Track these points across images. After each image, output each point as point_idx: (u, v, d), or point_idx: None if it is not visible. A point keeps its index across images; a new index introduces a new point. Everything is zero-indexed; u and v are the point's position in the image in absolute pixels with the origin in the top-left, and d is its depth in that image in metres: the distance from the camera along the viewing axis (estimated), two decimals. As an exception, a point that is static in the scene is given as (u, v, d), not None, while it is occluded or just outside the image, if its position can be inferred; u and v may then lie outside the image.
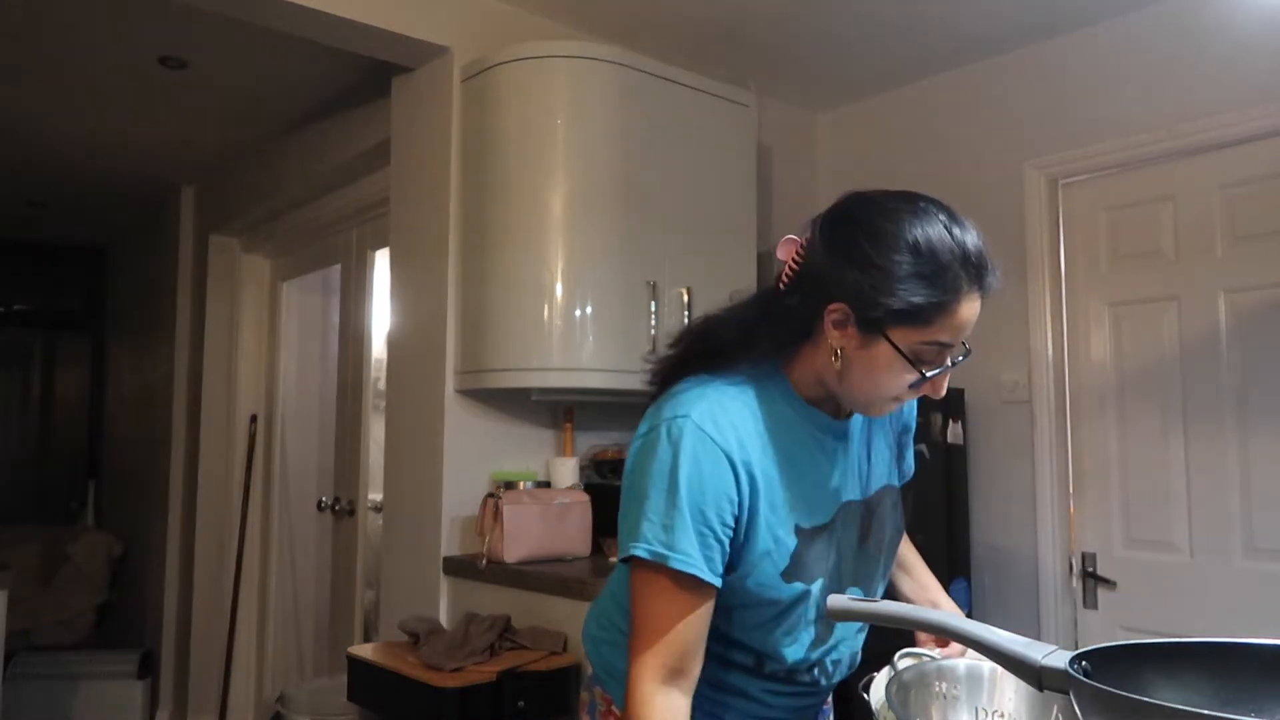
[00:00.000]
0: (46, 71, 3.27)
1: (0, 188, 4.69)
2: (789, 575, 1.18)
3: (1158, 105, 2.74)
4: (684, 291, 2.69)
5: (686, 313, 2.68)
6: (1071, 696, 0.80)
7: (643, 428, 1.19)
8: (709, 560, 1.12)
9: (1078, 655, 0.83)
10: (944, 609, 1.40)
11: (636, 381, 2.55)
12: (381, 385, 3.44)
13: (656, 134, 2.68)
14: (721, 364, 1.20)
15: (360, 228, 3.68)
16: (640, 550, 1.11)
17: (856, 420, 1.28)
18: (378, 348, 3.57)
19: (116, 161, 4.26)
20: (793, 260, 1.18)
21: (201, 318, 4.38)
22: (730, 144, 2.90)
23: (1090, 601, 2.85)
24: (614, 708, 1.30)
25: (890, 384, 1.13)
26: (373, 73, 3.10)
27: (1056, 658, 0.83)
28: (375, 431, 3.48)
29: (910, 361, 1.10)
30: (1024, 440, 2.96)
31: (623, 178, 2.60)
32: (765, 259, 3.00)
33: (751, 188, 2.94)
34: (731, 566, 1.17)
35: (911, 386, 1.13)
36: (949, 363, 1.13)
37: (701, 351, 1.23)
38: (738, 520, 1.14)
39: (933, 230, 1.09)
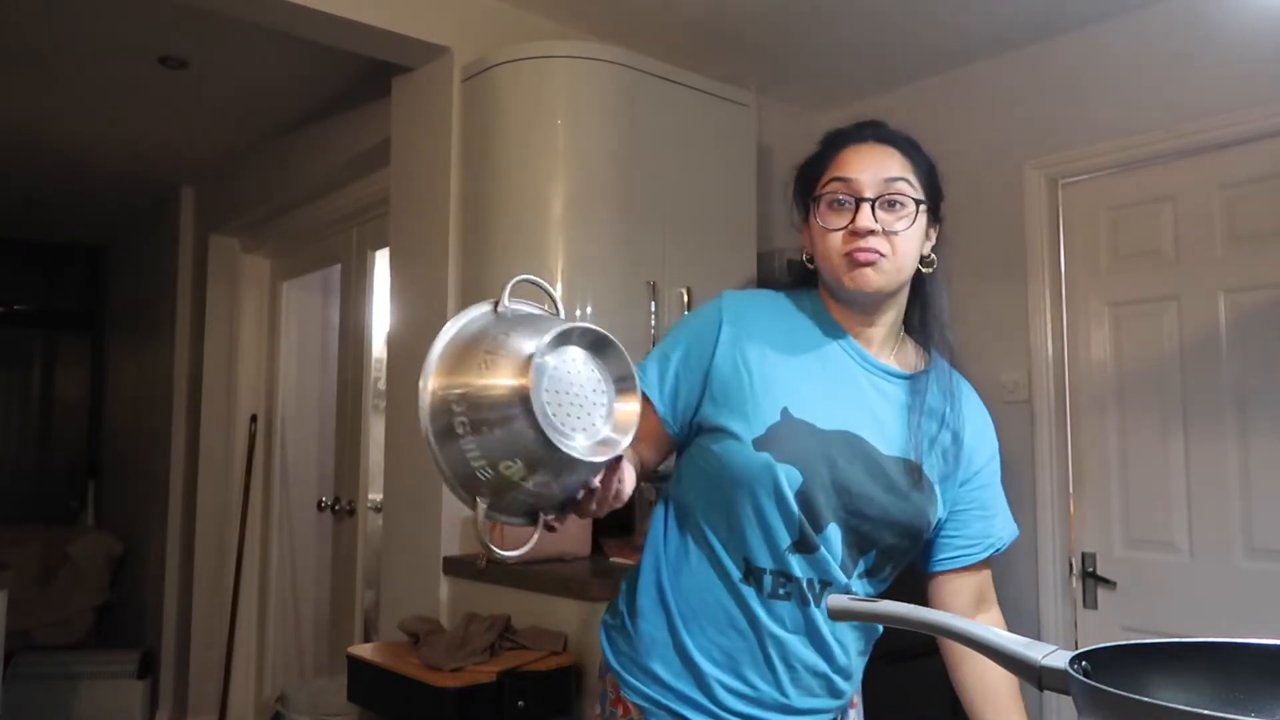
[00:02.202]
0: (47, 71, 3.27)
1: (0, 187, 4.69)
2: (759, 444, 1.21)
3: (1158, 105, 2.74)
4: (684, 291, 2.69)
5: (686, 313, 2.68)
6: (1072, 696, 0.80)
7: (979, 400, 1.39)
8: (661, 382, 1.29)
9: (1078, 655, 0.83)
10: None
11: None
12: (381, 385, 3.44)
13: (656, 134, 2.68)
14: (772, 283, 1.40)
15: (360, 228, 3.68)
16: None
17: (904, 386, 1.31)
18: (378, 348, 3.57)
19: (116, 161, 4.26)
20: None
21: (201, 318, 4.38)
22: (730, 144, 2.89)
23: (1090, 601, 2.85)
24: (622, 693, 1.31)
25: (826, 238, 1.26)
26: (373, 73, 3.10)
27: (1056, 658, 0.83)
28: (375, 431, 3.48)
29: (828, 206, 1.26)
30: (1024, 440, 2.96)
31: (623, 178, 2.60)
32: (765, 259, 3.00)
33: (751, 188, 2.94)
34: (712, 426, 1.25)
35: (842, 230, 1.25)
36: (866, 201, 1.24)
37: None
38: (709, 371, 1.26)
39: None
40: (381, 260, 3.52)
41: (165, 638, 4.43)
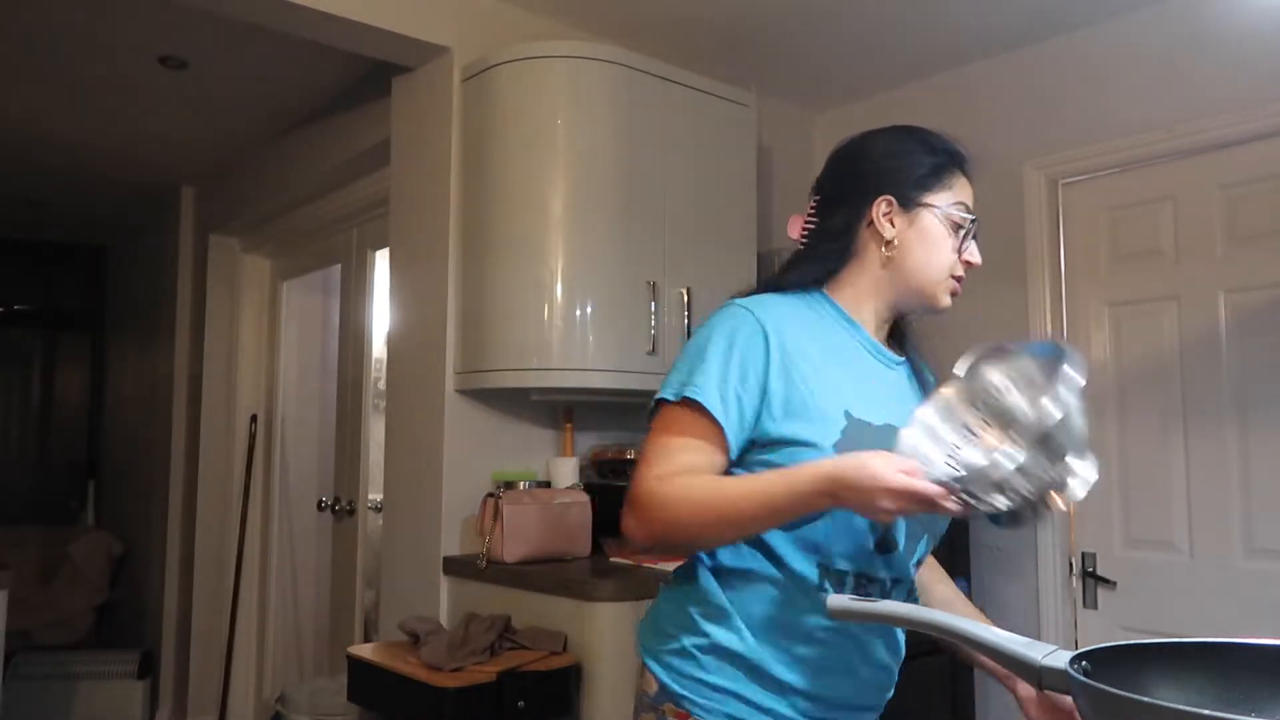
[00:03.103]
0: (47, 71, 3.27)
1: (0, 188, 4.69)
2: (840, 449, 1.20)
3: (1158, 105, 2.74)
4: (684, 291, 2.69)
5: (686, 313, 2.68)
6: (1072, 696, 0.80)
7: None
8: (724, 404, 1.21)
9: (1078, 655, 0.83)
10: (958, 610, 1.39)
11: (636, 381, 2.58)
12: (381, 385, 3.44)
13: (656, 134, 2.68)
14: (770, 289, 1.35)
15: (360, 228, 3.68)
16: (667, 394, 1.23)
17: (903, 373, 1.37)
18: (378, 348, 3.57)
19: (116, 161, 4.26)
20: (809, 213, 1.38)
21: (201, 318, 4.38)
22: (730, 144, 2.89)
23: (1090, 601, 2.85)
24: (694, 717, 1.25)
25: (941, 253, 1.31)
26: (373, 73, 3.10)
27: (1056, 658, 0.83)
28: (375, 431, 3.48)
29: (951, 223, 1.31)
30: (1024, 440, 2.95)
31: (623, 178, 2.60)
32: (765, 259, 3.00)
33: (751, 188, 2.94)
34: (778, 440, 1.22)
35: (956, 254, 1.31)
36: (973, 231, 1.32)
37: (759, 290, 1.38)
38: (767, 388, 1.22)
39: (915, 129, 1.37)
40: (381, 260, 3.52)
41: (165, 638, 4.43)
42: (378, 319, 3.55)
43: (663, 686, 1.28)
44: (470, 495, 2.66)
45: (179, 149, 4.09)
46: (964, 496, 1.02)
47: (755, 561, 1.25)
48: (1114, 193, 2.88)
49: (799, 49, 3.11)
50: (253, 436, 4.28)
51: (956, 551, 2.92)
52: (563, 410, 2.85)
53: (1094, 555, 2.85)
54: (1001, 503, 1.01)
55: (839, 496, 1.08)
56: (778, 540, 1.24)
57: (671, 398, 1.23)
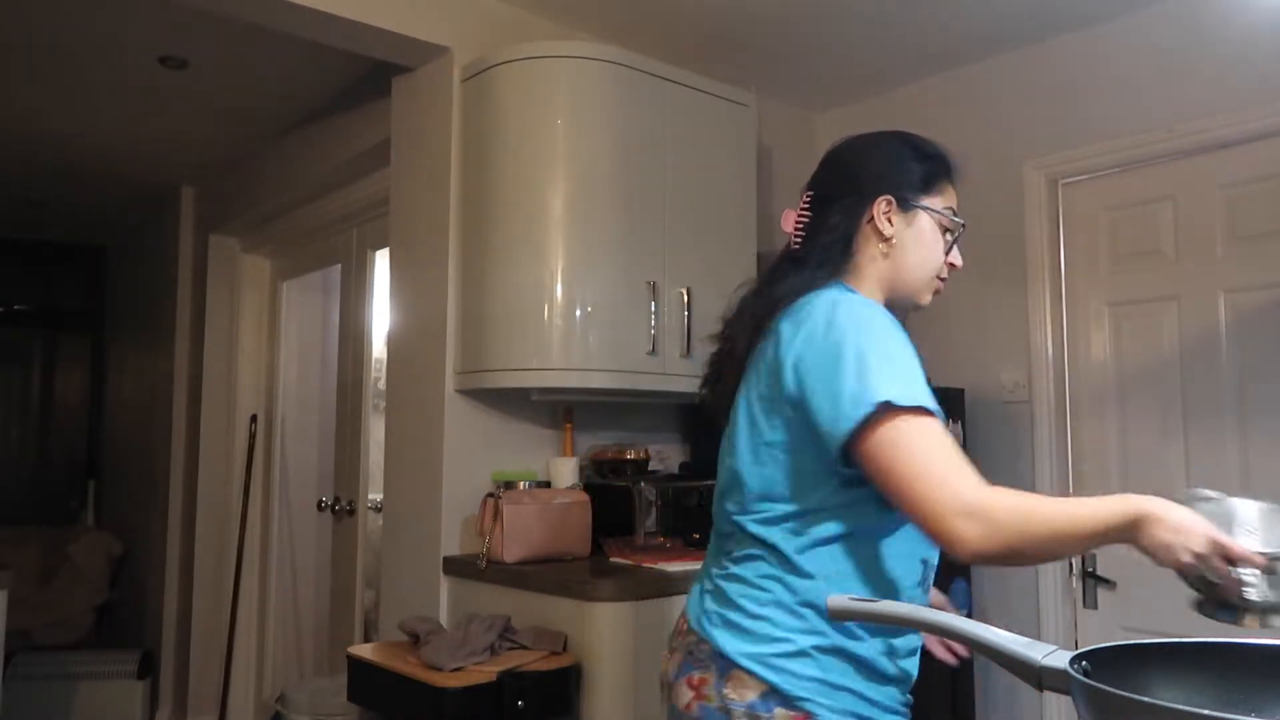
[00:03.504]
0: (46, 71, 3.27)
1: (0, 188, 4.69)
2: None
3: (1158, 105, 2.74)
4: (684, 291, 2.69)
5: (686, 313, 2.68)
6: (1072, 696, 0.80)
7: (804, 313, 1.28)
8: (937, 405, 1.22)
9: (1078, 655, 0.83)
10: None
11: (636, 381, 2.58)
12: (381, 385, 3.44)
13: (656, 134, 2.68)
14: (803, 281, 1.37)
15: (360, 228, 3.68)
16: (901, 400, 1.17)
17: None
18: (378, 348, 3.57)
19: (116, 161, 4.26)
20: (802, 209, 1.44)
21: (201, 318, 4.38)
22: (730, 144, 2.89)
23: (1090, 601, 2.84)
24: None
25: (933, 253, 1.40)
26: (373, 73, 3.10)
27: (1056, 658, 0.83)
28: (375, 431, 3.47)
29: (942, 226, 1.40)
30: (1024, 440, 2.96)
31: (623, 178, 2.60)
32: (765, 259, 2.99)
33: (751, 188, 2.94)
34: None
35: (947, 258, 1.41)
36: (960, 235, 1.43)
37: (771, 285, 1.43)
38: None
39: (910, 134, 1.46)
40: (381, 260, 3.52)
41: (165, 638, 4.43)
42: (378, 319, 3.55)
43: (774, 689, 1.26)
44: (470, 495, 2.66)
45: (179, 149, 4.09)
46: (1259, 572, 1.07)
47: (862, 564, 1.30)
48: (1114, 193, 2.88)
49: (799, 49, 3.11)
50: (253, 436, 4.28)
51: (956, 551, 2.91)
52: (563, 410, 2.85)
53: (1094, 555, 2.85)
54: (1258, 595, 1.08)
55: (1147, 533, 1.10)
56: (888, 543, 1.31)
57: (907, 404, 1.17)
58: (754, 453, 1.32)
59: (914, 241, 1.39)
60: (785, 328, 1.30)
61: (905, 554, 1.32)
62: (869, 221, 1.38)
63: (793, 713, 1.25)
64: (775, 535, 1.30)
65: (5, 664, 3.22)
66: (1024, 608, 2.92)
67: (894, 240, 1.38)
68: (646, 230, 2.63)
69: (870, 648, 1.29)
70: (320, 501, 3.81)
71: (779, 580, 1.30)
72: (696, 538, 2.67)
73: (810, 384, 1.24)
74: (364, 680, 2.32)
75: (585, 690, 2.19)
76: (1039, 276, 2.97)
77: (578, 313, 2.51)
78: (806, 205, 1.43)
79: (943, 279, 1.43)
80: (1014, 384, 3.00)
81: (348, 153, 3.38)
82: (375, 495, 3.45)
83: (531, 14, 2.87)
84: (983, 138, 3.13)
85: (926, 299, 1.43)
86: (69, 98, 3.51)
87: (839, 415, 1.19)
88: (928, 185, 1.40)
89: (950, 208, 1.42)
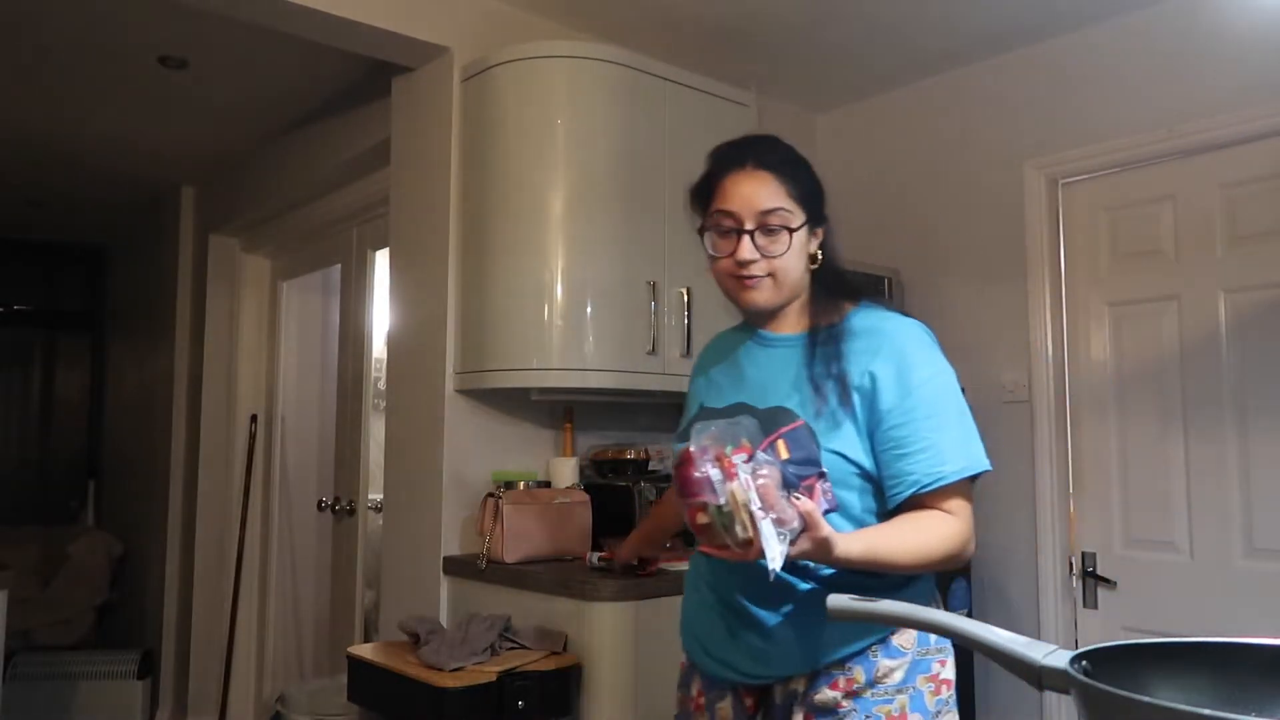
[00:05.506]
0: (46, 71, 3.27)
1: (0, 188, 4.69)
2: None
3: (1158, 105, 2.74)
4: (684, 291, 2.69)
5: (687, 313, 2.68)
6: (1072, 696, 0.80)
7: (912, 336, 1.43)
8: None
9: (1078, 655, 0.83)
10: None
11: (636, 381, 2.58)
12: (381, 385, 3.44)
13: (656, 134, 2.68)
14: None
15: (360, 228, 3.68)
16: (984, 465, 1.43)
17: (787, 341, 1.49)
18: (378, 348, 3.57)
19: (116, 161, 4.26)
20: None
21: (201, 318, 4.38)
22: (730, 144, 2.89)
23: (1090, 601, 2.85)
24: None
25: (718, 261, 1.45)
26: (373, 73, 3.10)
27: (1056, 658, 0.83)
28: (375, 431, 3.48)
29: (706, 234, 1.46)
30: (1024, 440, 2.96)
31: (623, 177, 2.60)
32: (765, 259, 3.00)
33: (751, 188, 2.94)
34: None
35: (728, 257, 1.43)
36: (746, 232, 1.41)
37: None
38: None
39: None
40: (381, 260, 3.52)
41: (165, 638, 4.43)
42: (378, 319, 3.55)
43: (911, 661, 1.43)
44: (470, 495, 2.66)
45: (179, 149, 4.09)
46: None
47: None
48: (1114, 192, 2.88)
49: (799, 49, 3.11)
50: (253, 436, 4.28)
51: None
52: (563, 410, 2.85)
53: (1094, 555, 2.85)
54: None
55: None
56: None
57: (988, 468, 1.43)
58: None
59: (710, 262, 1.48)
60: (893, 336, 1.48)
61: None
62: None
63: (942, 657, 1.47)
64: None
65: (5, 664, 3.23)
66: (1024, 608, 2.92)
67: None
68: (646, 230, 2.63)
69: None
70: (320, 501, 3.81)
71: (902, 582, 1.47)
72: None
73: None
74: (364, 680, 2.32)
75: (585, 690, 2.19)
76: (1039, 276, 2.97)
77: (578, 313, 2.51)
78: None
79: (740, 277, 1.44)
80: (1014, 384, 3.00)
81: (348, 153, 3.38)
82: (375, 495, 3.45)
83: (531, 14, 2.87)
84: (983, 138, 3.13)
85: (743, 302, 1.47)
86: (69, 97, 3.51)
87: (965, 458, 1.46)
88: (707, 196, 1.47)
89: (720, 209, 1.44)
